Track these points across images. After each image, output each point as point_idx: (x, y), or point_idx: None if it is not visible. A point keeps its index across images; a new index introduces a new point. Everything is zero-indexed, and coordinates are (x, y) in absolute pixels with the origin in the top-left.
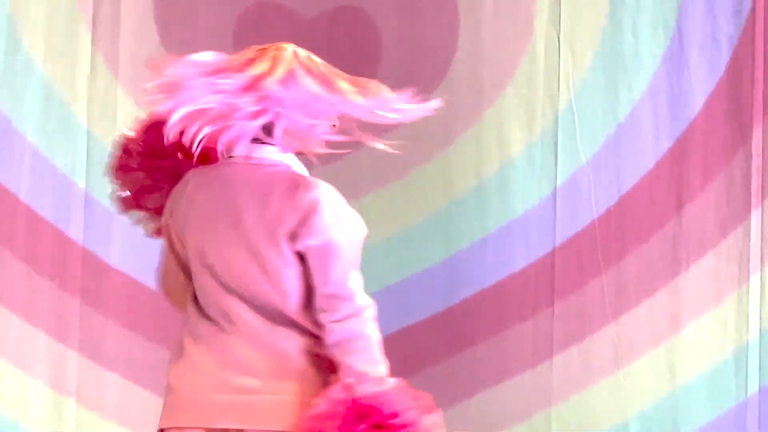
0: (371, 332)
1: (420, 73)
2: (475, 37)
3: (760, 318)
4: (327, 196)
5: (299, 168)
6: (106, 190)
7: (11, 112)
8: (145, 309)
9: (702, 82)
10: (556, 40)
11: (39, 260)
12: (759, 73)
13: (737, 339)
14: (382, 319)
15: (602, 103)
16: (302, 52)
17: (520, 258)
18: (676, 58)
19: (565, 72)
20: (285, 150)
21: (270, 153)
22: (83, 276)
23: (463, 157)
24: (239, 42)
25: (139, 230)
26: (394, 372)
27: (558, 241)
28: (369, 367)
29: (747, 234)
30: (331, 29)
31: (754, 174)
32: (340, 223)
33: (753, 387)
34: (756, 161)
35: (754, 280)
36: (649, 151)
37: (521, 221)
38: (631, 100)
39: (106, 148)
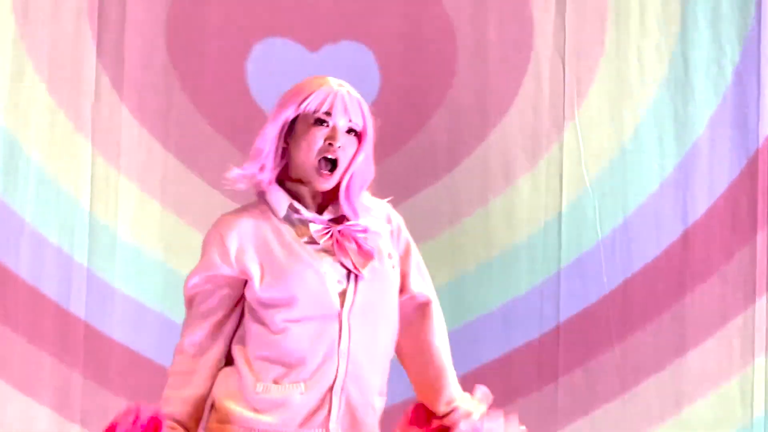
0: (171, 368)
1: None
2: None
3: (766, 396)
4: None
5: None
6: (106, 265)
7: (8, 194)
8: (146, 382)
9: (706, 195)
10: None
11: (41, 336)
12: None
13: (743, 418)
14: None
15: (615, 194)
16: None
17: (524, 333)
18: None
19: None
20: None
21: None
22: (85, 350)
23: (471, 236)
24: None
25: (139, 304)
26: None
27: (562, 317)
28: None
29: (751, 320)
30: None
31: (759, 260)
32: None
33: None
34: (761, 250)
35: (759, 361)
36: (659, 235)
37: (527, 298)
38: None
39: (107, 226)
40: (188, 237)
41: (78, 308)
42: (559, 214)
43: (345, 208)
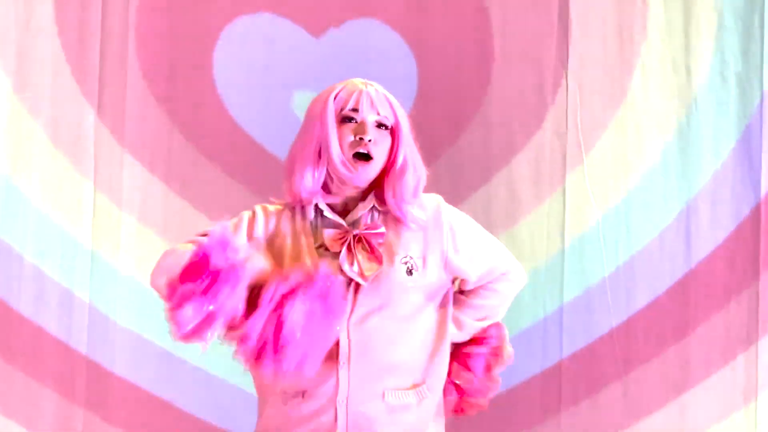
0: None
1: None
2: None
3: None
4: None
5: None
6: (108, 302)
7: (7, 232)
8: (148, 416)
9: (711, 236)
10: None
11: (42, 371)
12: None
13: None
14: None
15: (619, 235)
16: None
17: (526, 368)
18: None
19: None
20: None
21: None
22: (87, 385)
23: None
24: None
25: (141, 339)
26: None
27: (565, 353)
28: None
29: (753, 359)
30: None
31: (762, 300)
32: None
33: None
34: (764, 290)
35: (762, 399)
36: (663, 273)
37: (529, 333)
38: (647, 236)
39: (108, 261)
40: None
41: (79, 343)
42: (562, 249)
43: (394, 209)
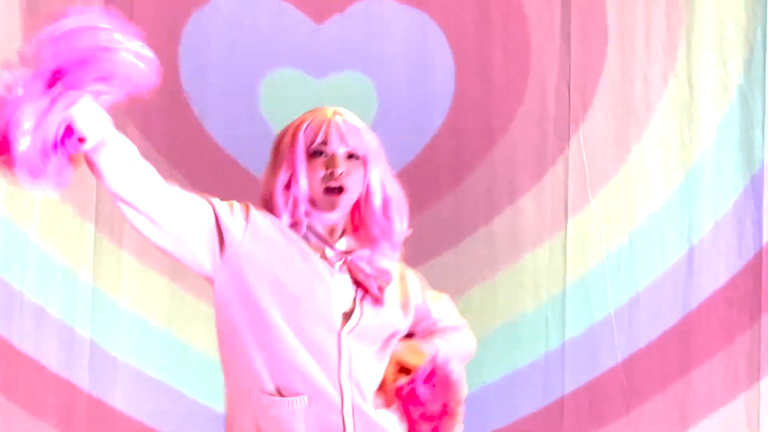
0: None
1: None
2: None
3: None
4: None
5: None
6: (109, 338)
7: (7, 268)
8: None
9: (713, 279)
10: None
11: (43, 407)
12: None
13: None
14: None
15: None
16: None
17: (528, 404)
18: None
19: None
20: None
21: None
22: (88, 421)
23: (476, 306)
24: None
25: (145, 374)
26: None
27: (567, 389)
28: None
29: (756, 398)
30: None
31: (764, 343)
32: None
33: None
34: (765, 333)
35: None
36: (666, 311)
37: (531, 368)
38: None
39: (109, 299)
40: (191, 305)
41: (80, 380)
42: (564, 287)
43: (379, 239)
